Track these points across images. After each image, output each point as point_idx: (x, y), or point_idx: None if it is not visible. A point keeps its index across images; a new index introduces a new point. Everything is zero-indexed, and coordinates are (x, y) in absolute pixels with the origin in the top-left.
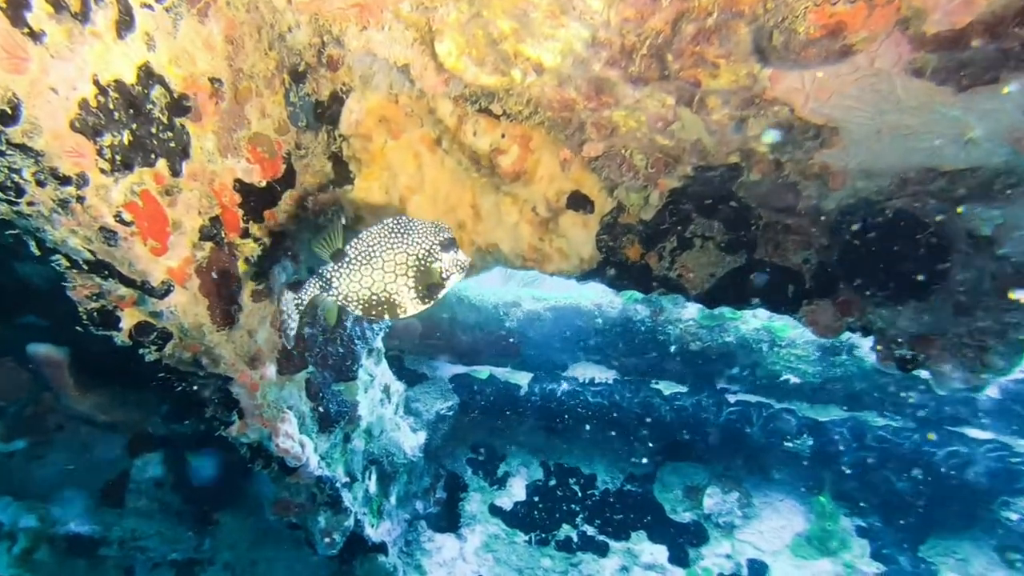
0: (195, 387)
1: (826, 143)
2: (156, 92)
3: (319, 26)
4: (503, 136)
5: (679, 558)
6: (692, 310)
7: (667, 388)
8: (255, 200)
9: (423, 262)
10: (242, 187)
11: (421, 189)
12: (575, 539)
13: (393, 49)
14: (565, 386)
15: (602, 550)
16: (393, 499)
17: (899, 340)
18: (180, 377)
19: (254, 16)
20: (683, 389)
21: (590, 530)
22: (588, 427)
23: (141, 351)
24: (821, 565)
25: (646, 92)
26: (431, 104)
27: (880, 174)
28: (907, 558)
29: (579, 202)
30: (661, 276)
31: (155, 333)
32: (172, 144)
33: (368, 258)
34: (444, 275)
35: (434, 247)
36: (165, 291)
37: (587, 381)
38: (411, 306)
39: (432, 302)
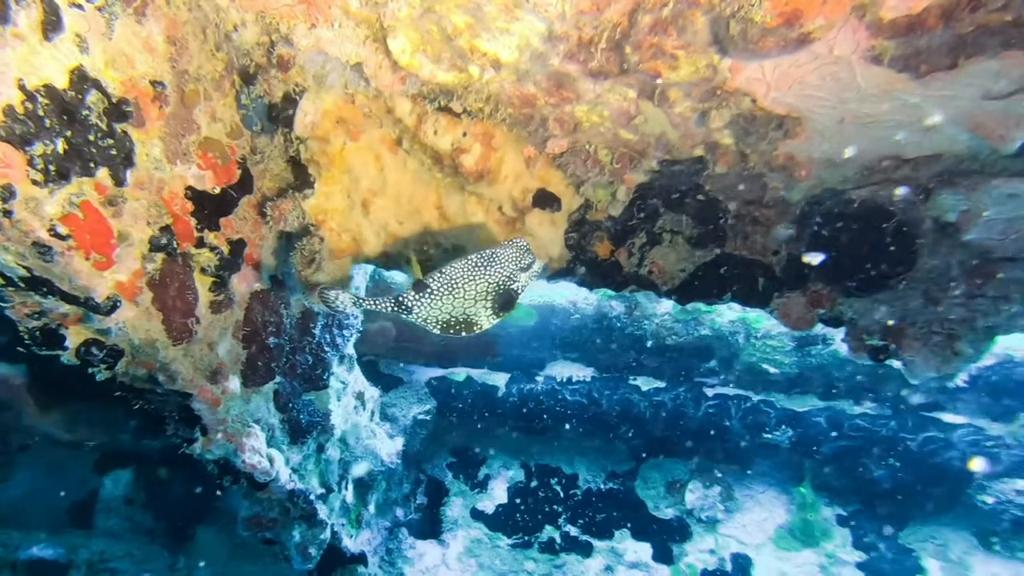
0: (153, 405)
1: (790, 133)
2: (92, 97)
3: (266, 24)
4: (464, 135)
5: (663, 555)
6: (667, 304)
7: (645, 384)
8: (209, 208)
9: (502, 287)
10: (194, 194)
11: (384, 192)
12: (558, 540)
13: (344, 47)
14: (543, 385)
15: (586, 550)
16: (372, 507)
17: (870, 330)
18: (136, 395)
19: (197, 15)
20: (661, 384)
21: (573, 530)
22: (568, 426)
23: (91, 370)
24: (804, 556)
25: (607, 86)
26: (389, 103)
27: (844, 163)
28: (888, 545)
29: (546, 200)
30: (632, 273)
31: (104, 351)
32: (113, 152)
33: (450, 290)
34: (519, 290)
35: (515, 272)
36: (111, 307)
37: (565, 380)
38: (487, 322)
39: (507, 312)
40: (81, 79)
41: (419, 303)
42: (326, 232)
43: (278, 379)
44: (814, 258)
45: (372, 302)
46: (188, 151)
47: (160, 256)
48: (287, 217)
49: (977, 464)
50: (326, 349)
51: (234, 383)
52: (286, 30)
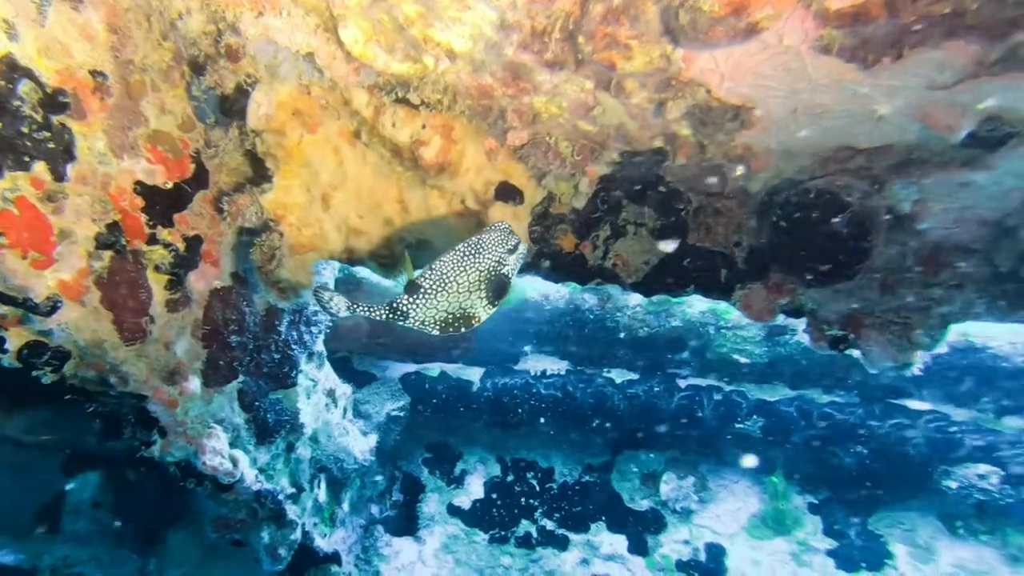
0: (108, 407)
1: (746, 124)
2: (24, 87)
3: (212, 13)
4: (423, 127)
5: (639, 547)
6: (638, 296)
7: (619, 376)
8: (161, 203)
9: (493, 273)
10: (144, 190)
11: (344, 185)
12: (535, 534)
13: (295, 36)
14: (517, 379)
15: (562, 544)
16: (346, 505)
17: (829, 321)
18: (89, 397)
19: (139, 2)
20: (635, 376)
21: (549, 524)
22: (543, 420)
23: (35, 373)
24: (776, 544)
25: (563, 77)
26: (345, 95)
27: (800, 154)
28: (857, 532)
29: (508, 193)
30: (596, 266)
31: (48, 353)
32: (51, 145)
33: (443, 285)
34: (510, 274)
35: (503, 256)
36: (52, 308)
37: (539, 373)
38: (484, 313)
39: (502, 300)
40: (11, 68)
41: (414, 306)
42: (286, 227)
43: (242, 378)
44: (667, 246)
45: (366, 308)
46: (136, 144)
47: (108, 254)
48: (245, 212)
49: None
50: (293, 346)
51: (194, 383)
52: (232, 18)
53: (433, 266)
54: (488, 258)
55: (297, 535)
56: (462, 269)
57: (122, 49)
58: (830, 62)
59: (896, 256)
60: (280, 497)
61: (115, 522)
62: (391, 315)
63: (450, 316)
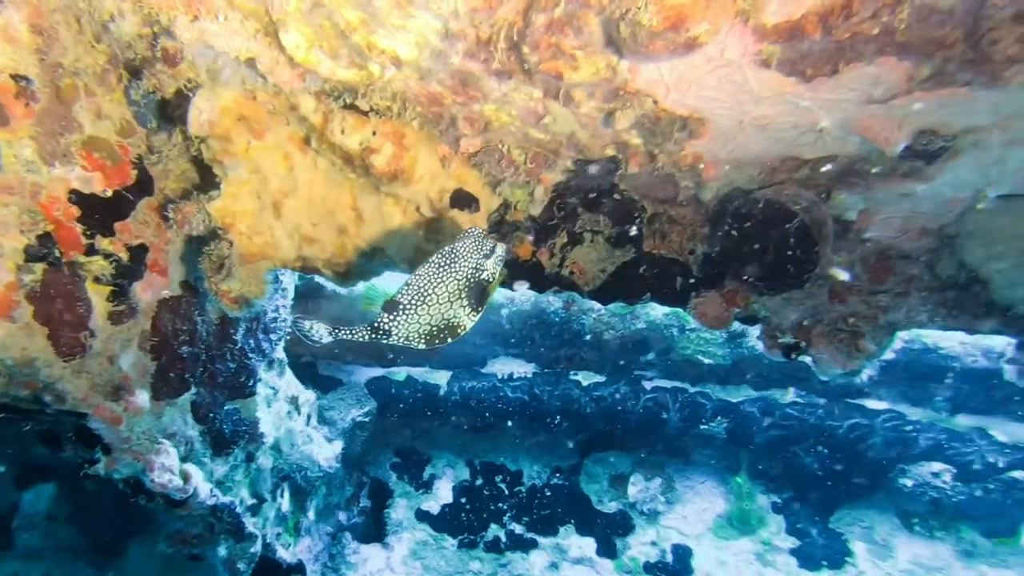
0: (45, 425)
1: (694, 134)
2: None
3: (145, 15)
4: (374, 134)
5: (607, 550)
6: None
7: (586, 379)
8: (100, 212)
9: (472, 279)
10: (80, 198)
11: (295, 192)
12: (503, 539)
13: (233, 41)
14: (485, 383)
15: (531, 547)
16: (312, 514)
17: (782, 328)
18: (24, 416)
19: (67, 2)
20: (601, 379)
21: (518, 528)
22: (511, 423)
23: None
24: (741, 544)
25: (511, 86)
26: (292, 100)
27: (749, 164)
28: (819, 530)
29: (464, 200)
30: (553, 274)
31: None
32: None
33: (423, 299)
34: (489, 278)
35: (480, 261)
36: None
37: (506, 376)
38: (469, 321)
39: (485, 305)
40: None
41: (396, 323)
42: (235, 236)
43: (195, 390)
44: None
45: (348, 331)
46: (69, 151)
47: (40, 267)
48: (191, 220)
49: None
50: (250, 355)
51: (141, 397)
52: (167, 22)
53: (409, 281)
54: (464, 266)
55: (257, 548)
56: (439, 280)
57: (49, 51)
58: (771, 76)
59: (844, 265)
60: (238, 510)
61: (71, 535)
62: (374, 335)
63: (434, 328)
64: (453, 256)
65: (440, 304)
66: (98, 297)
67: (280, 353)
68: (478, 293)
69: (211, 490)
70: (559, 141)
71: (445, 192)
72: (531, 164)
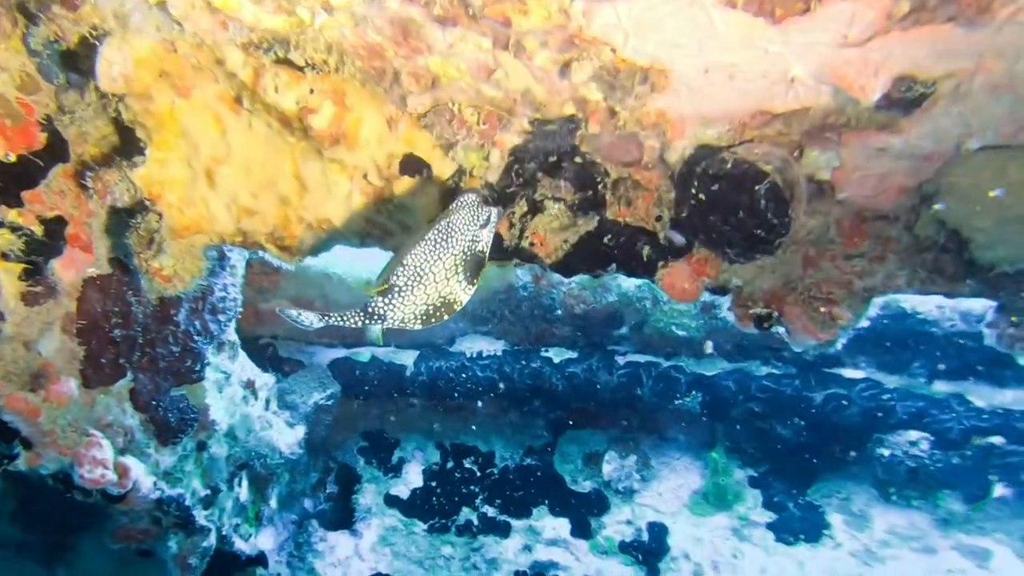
0: None
1: (656, 87)
2: None
3: None
4: (311, 92)
5: (582, 530)
6: None
7: (557, 355)
8: (2, 179)
9: (468, 252)
10: None
11: (230, 159)
12: (476, 522)
13: None
14: (453, 362)
15: (504, 531)
16: (274, 502)
17: (754, 298)
18: None
19: None
20: (573, 355)
21: (491, 511)
22: (481, 403)
23: None
24: (717, 520)
25: (457, 34)
26: (217, 53)
27: (716, 120)
28: (796, 503)
29: (414, 166)
30: (513, 246)
31: None
32: None
33: (419, 279)
34: (484, 248)
35: (476, 233)
36: None
37: (475, 355)
38: (465, 295)
39: (479, 277)
40: None
41: (391, 306)
42: (164, 207)
43: (131, 376)
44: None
45: (339, 316)
46: None
47: None
48: (113, 190)
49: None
50: (196, 337)
51: (67, 386)
52: None
53: (405, 261)
54: (462, 239)
55: (211, 541)
56: (436, 258)
57: None
58: (737, 16)
59: (819, 227)
60: (187, 503)
61: (16, 532)
62: (367, 320)
63: (430, 308)
64: (450, 231)
65: (437, 282)
66: (7, 275)
67: (231, 335)
68: (474, 265)
69: (155, 483)
70: (513, 98)
71: (394, 158)
72: (485, 125)
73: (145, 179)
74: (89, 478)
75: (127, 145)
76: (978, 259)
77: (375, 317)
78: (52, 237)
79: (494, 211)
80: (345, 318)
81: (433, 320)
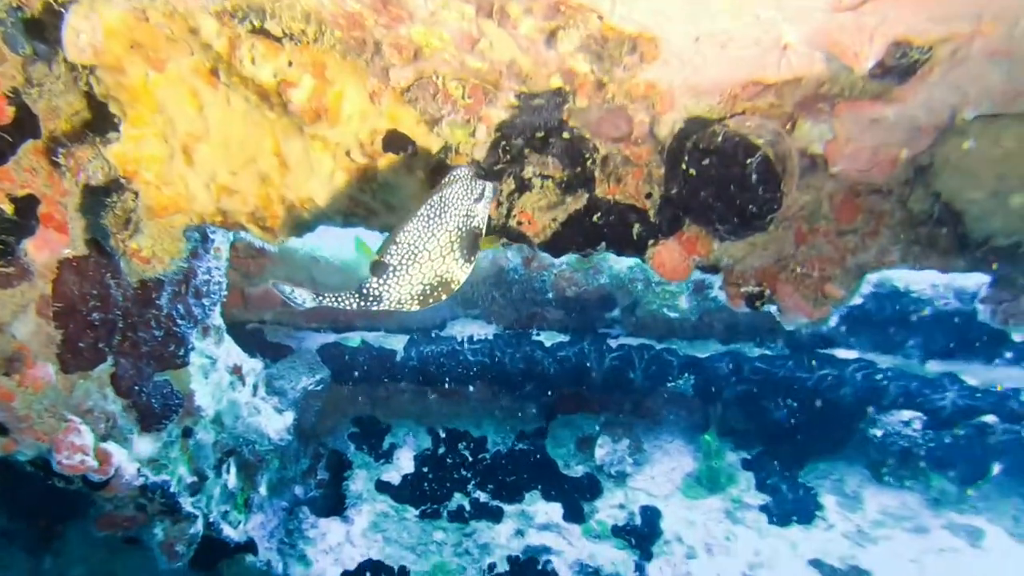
0: None
1: (645, 57)
2: None
3: None
4: (290, 64)
5: (574, 515)
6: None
7: (548, 339)
8: None
9: (464, 228)
10: None
11: (208, 136)
12: (467, 507)
13: None
14: (444, 346)
15: (496, 516)
16: (263, 489)
17: (745, 276)
18: None
19: None
20: (565, 339)
21: (483, 496)
22: (472, 387)
23: None
24: (710, 503)
25: (439, 2)
26: (190, 22)
27: (707, 91)
28: (789, 485)
29: (398, 143)
30: (500, 225)
31: None
32: None
33: (414, 258)
34: (480, 224)
35: (471, 207)
36: None
37: (466, 339)
38: (463, 273)
39: (477, 255)
40: None
41: (387, 287)
42: (141, 186)
43: (111, 361)
44: None
45: (334, 297)
46: None
47: None
48: (87, 167)
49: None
50: (179, 321)
51: (44, 370)
52: None
53: (397, 239)
54: (455, 214)
55: (198, 528)
56: (430, 235)
57: None
58: None
59: (812, 203)
60: (172, 489)
61: (1, 520)
62: (363, 301)
63: (427, 287)
64: (443, 206)
65: (432, 260)
66: None
67: (217, 319)
68: (470, 242)
69: (139, 469)
70: (499, 71)
71: (377, 134)
72: (470, 99)
73: (120, 156)
74: (68, 464)
75: (100, 121)
76: (972, 232)
77: (371, 298)
78: (23, 216)
79: (488, 185)
80: (340, 299)
81: (431, 300)
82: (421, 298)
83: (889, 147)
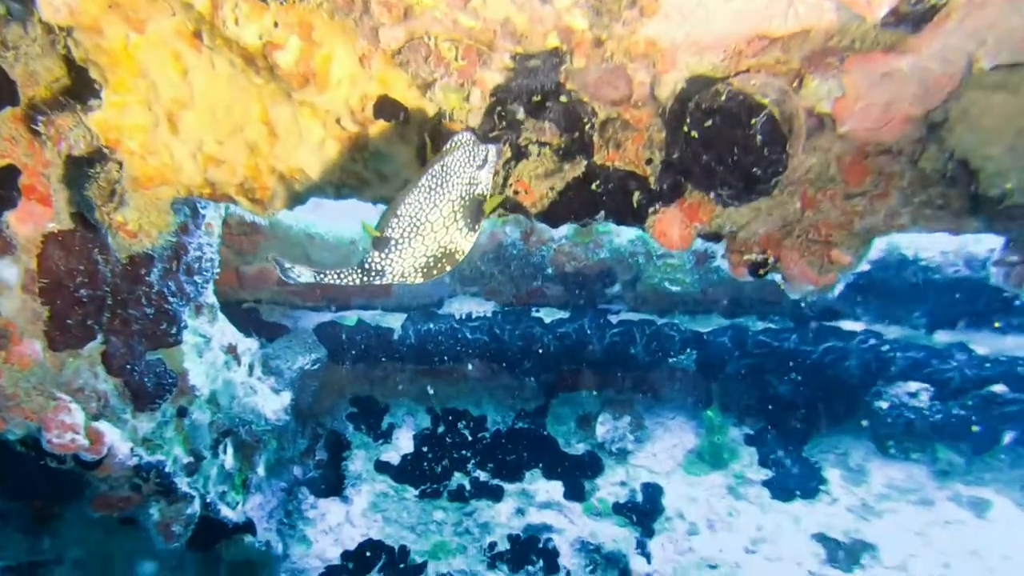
0: None
1: (646, 11)
2: None
3: None
4: (276, 25)
5: (575, 493)
6: (562, 228)
7: (548, 316)
8: None
9: (467, 196)
10: None
11: (193, 103)
12: (467, 487)
13: None
14: (442, 325)
15: (496, 495)
16: (261, 469)
17: (749, 243)
18: None
19: None
20: (565, 315)
21: (483, 475)
22: (471, 366)
23: None
24: (713, 479)
25: None
26: None
27: (710, 47)
28: (793, 460)
29: (390, 109)
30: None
31: None
32: None
33: (416, 230)
34: (484, 191)
35: (473, 175)
36: None
37: (464, 317)
38: (468, 243)
39: (482, 221)
40: None
41: (389, 261)
42: (125, 155)
43: (102, 338)
44: None
45: (335, 274)
46: None
47: None
48: (68, 136)
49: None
50: (171, 299)
51: (31, 347)
52: None
53: (398, 212)
54: (458, 183)
55: (195, 508)
56: (432, 205)
57: None
58: None
59: (819, 165)
60: (167, 469)
61: None
62: (365, 276)
63: (431, 259)
64: (444, 175)
65: (436, 232)
66: None
67: (210, 297)
68: (474, 210)
69: (132, 449)
70: (492, 29)
71: (368, 99)
72: (463, 61)
73: (102, 124)
74: (58, 443)
75: (81, 87)
76: (987, 191)
77: (374, 273)
78: (4, 187)
79: (492, 148)
80: (342, 276)
81: (435, 272)
82: (425, 270)
83: (901, 103)
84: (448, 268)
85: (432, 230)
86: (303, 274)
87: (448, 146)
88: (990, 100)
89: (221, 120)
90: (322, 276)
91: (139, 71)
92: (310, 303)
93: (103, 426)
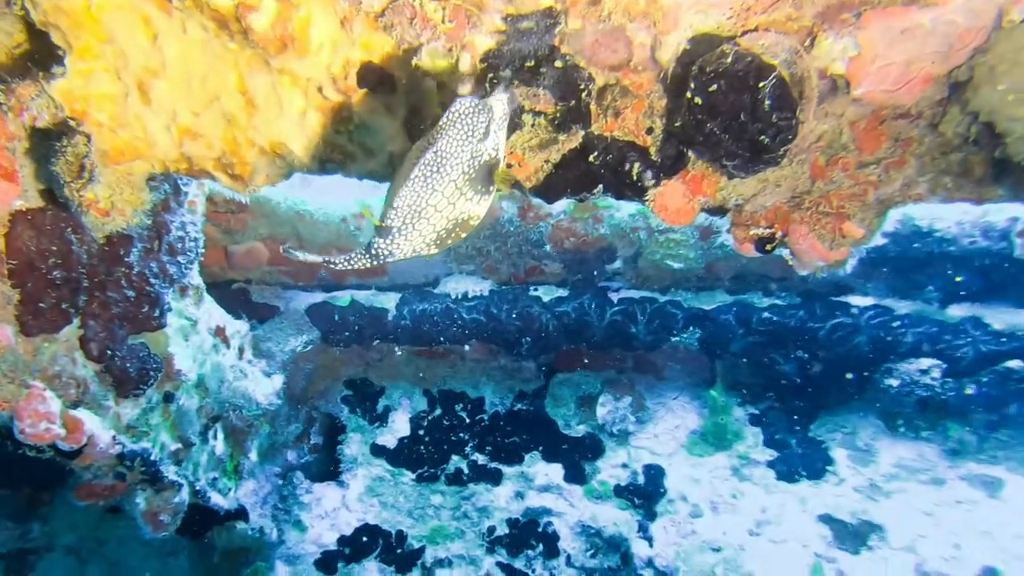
0: None
1: None
2: None
3: None
4: None
5: (575, 475)
6: (561, 202)
7: (547, 294)
8: None
9: (471, 170)
10: None
11: (165, 71)
12: (465, 470)
13: None
14: (437, 305)
15: (495, 478)
16: (254, 455)
17: (755, 217)
18: None
19: None
20: (564, 293)
21: (481, 458)
22: (468, 347)
23: None
24: (716, 460)
25: None
26: None
27: (717, 3)
28: (798, 440)
29: (374, 77)
30: None
31: None
32: None
33: (417, 215)
34: (493, 155)
35: (476, 148)
36: None
37: (460, 296)
38: (482, 208)
39: (494, 186)
40: None
41: (395, 244)
42: (93, 128)
43: (78, 322)
44: None
45: (345, 260)
46: None
47: None
48: (31, 106)
49: None
50: (152, 280)
51: (2, 332)
52: None
53: (394, 204)
54: (459, 160)
55: (184, 496)
56: (431, 191)
57: None
58: None
59: (831, 132)
60: (153, 457)
61: None
62: (374, 260)
63: (443, 231)
64: (438, 162)
65: (440, 211)
66: None
67: (195, 278)
68: (484, 177)
69: (114, 437)
70: None
71: (351, 66)
72: (451, 23)
73: (66, 93)
74: (32, 433)
75: (43, 54)
76: (1015, 156)
77: (382, 255)
78: None
79: (496, 105)
80: (352, 260)
81: (450, 241)
82: (438, 243)
83: (922, 61)
84: (464, 235)
85: (436, 211)
86: (313, 261)
87: (441, 123)
88: (1021, 56)
89: (196, 90)
90: (331, 263)
91: (105, 36)
92: (302, 283)
93: (81, 414)
